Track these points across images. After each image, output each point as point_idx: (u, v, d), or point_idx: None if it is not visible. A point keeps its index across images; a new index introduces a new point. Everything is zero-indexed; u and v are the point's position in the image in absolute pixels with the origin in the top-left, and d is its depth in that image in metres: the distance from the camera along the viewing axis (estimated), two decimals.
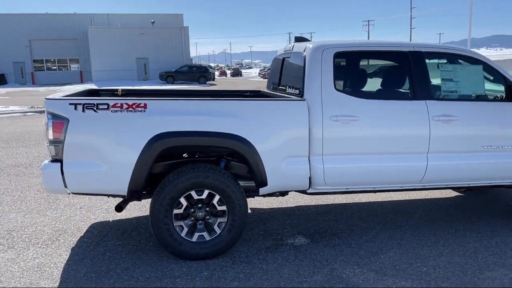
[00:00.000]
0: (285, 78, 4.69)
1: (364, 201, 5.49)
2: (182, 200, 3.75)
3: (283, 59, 4.87)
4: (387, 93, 4.23)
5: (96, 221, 4.82)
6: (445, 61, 4.34)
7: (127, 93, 5.19)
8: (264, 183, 3.87)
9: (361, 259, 3.85)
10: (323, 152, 3.93)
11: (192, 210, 3.80)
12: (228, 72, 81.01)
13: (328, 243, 4.21)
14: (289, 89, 4.44)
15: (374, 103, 4.03)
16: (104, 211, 5.15)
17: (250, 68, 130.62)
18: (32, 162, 7.77)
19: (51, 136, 3.54)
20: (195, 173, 3.70)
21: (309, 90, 3.94)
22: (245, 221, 3.91)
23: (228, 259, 3.86)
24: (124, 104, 3.60)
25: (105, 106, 3.59)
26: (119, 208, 3.85)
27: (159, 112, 3.64)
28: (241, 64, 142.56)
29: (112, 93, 5.13)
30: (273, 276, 3.56)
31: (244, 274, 3.60)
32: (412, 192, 5.67)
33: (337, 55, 4.02)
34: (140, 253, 4.00)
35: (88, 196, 5.62)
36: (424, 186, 4.28)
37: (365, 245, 4.16)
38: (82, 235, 4.44)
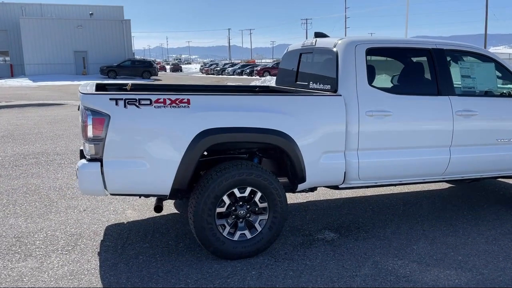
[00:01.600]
0: (307, 73, 4.68)
1: (369, 195, 5.63)
2: (225, 198, 3.64)
3: (300, 54, 4.86)
4: (414, 88, 4.36)
5: (109, 224, 4.55)
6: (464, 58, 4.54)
7: (135, 88, 4.94)
8: (304, 179, 3.86)
9: (397, 251, 3.95)
10: (358, 147, 3.98)
11: (233, 208, 3.70)
12: (168, 67, 79.48)
13: (357, 236, 4.28)
14: (315, 84, 4.44)
15: (404, 98, 4.14)
16: (112, 212, 4.88)
17: (190, 63, 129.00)
18: (3, 162, 7.18)
19: (90, 134, 3.29)
20: (239, 170, 3.60)
21: (344, 86, 3.97)
22: (286, 218, 3.88)
23: (268, 257, 3.81)
24: (167, 100, 3.43)
25: (148, 102, 3.39)
26: (159, 208, 3.66)
27: (203, 107, 3.51)
28: (180, 59, 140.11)
29: (120, 87, 4.85)
30: (323, 272, 3.56)
31: (292, 271, 3.57)
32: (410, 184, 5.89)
33: (369, 51, 4.08)
34: (175, 255, 3.84)
35: (87, 197, 5.32)
36: (444, 178, 4.47)
37: (393, 237, 4.27)
38: (102, 238, 4.18)
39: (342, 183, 4.08)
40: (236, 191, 3.66)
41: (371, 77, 4.07)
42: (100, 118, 3.29)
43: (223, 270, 3.57)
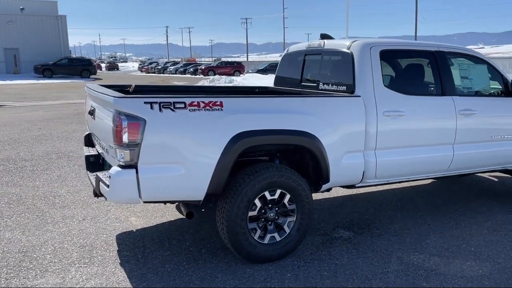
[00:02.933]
0: (315, 74, 4.73)
1: (363, 192, 5.79)
2: (257, 202, 3.61)
3: (305, 55, 4.90)
4: (423, 89, 4.54)
5: (117, 233, 4.34)
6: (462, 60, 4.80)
7: (137, 90, 4.74)
8: (328, 179, 3.91)
9: (414, 246, 4.11)
10: (376, 146, 4.09)
11: (263, 211, 3.68)
12: (103, 65, 76.47)
13: (371, 233, 4.40)
14: (326, 85, 4.50)
15: (415, 98, 4.31)
16: (115, 220, 4.65)
17: (126, 61, 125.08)
18: None
19: (126, 139, 3.12)
20: (271, 173, 3.58)
21: (361, 87, 4.06)
22: (312, 219, 3.90)
23: (296, 259, 3.82)
24: (201, 103, 3.33)
25: (182, 105, 3.28)
26: (191, 215, 3.54)
27: (236, 110, 3.45)
28: (115, 57, 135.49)
29: (122, 89, 4.63)
30: (355, 271, 3.62)
31: (326, 272, 3.60)
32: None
33: (382, 53, 4.20)
34: (202, 261, 3.75)
35: (79, 205, 5.04)
36: (446, 174, 4.71)
37: (404, 232, 4.43)
38: (117, 248, 3.98)
39: (360, 182, 4.17)
40: (266, 193, 3.63)
41: (385, 79, 4.19)
42: (135, 122, 3.13)
43: (257, 274, 3.54)
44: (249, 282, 3.41)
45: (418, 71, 4.59)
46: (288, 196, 3.72)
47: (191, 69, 48.60)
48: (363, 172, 4.10)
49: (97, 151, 4.21)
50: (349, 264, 3.74)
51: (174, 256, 3.84)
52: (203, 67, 46.37)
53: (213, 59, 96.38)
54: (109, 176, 3.22)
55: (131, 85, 4.69)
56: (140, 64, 72.14)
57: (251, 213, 3.60)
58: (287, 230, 3.77)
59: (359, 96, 4.02)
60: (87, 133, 4.67)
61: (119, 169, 3.18)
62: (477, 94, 4.82)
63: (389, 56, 4.32)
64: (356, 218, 4.83)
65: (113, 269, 3.58)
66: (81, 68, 37.66)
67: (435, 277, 3.52)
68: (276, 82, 5.46)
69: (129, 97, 3.25)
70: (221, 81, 27.95)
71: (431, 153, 4.41)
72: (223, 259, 3.78)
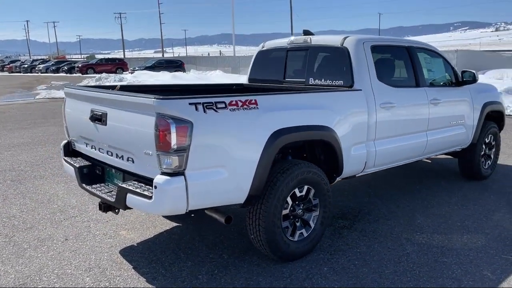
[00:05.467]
0: (303, 70, 4.77)
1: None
2: (288, 199, 3.57)
3: (287, 51, 4.93)
4: (404, 82, 4.87)
5: (118, 249, 3.93)
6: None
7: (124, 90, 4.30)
8: (341, 172, 4.02)
9: (411, 227, 4.43)
10: (375, 136, 4.31)
11: (292, 208, 3.65)
12: None
13: (367, 220, 4.62)
14: (318, 80, 4.58)
15: (401, 90, 4.63)
16: (103, 236, 4.20)
17: None
18: None
19: (174, 145, 2.85)
20: (301, 169, 3.57)
21: (359, 81, 4.23)
22: (332, 211, 3.97)
23: (321, 252, 3.86)
24: (238, 102, 3.18)
25: (223, 105, 3.10)
26: (230, 219, 3.35)
27: (270, 108, 3.36)
28: None
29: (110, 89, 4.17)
30: (381, 256, 3.79)
31: (357, 260, 3.71)
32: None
33: (373, 48, 4.42)
34: (232, 267, 3.59)
35: (47, 224, 4.47)
36: (420, 158, 5.15)
37: (393, 216, 4.73)
38: (131, 266, 3.61)
39: (361, 171, 4.36)
40: (296, 190, 3.61)
41: (378, 73, 4.42)
42: (183, 126, 2.87)
43: (296, 272, 3.51)
44: (295, 282, 3.37)
45: (400, 65, 4.93)
46: (312, 191, 3.74)
47: (65, 67, 44.92)
48: (365, 162, 4.29)
49: (93, 160, 3.76)
50: (370, 250, 3.90)
51: (199, 266, 3.62)
52: (80, 65, 43.14)
53: (85, 56, 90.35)
54: (155, 186, 2.90)
55: (117, 85, 4.24)
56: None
57: (284, 212, 3.55)
58: (312, 225, 3.80)
59: (361, 90, 4.18)
60: (65, 141, 4.12)
61: (167, 177, 2.89)
62: (439, 85, 5.34)
63: (377, 51, 4.55)
64: (343, 207, 5.02)
65: None
66: None
67: (450, 252, 3.86)
68: (251, 78, 5.39)
69: (173, 98, 2.96)
70: (110, 79, 26.33)
71: (413, 140, 4.79)
72: (252, 262, 3.67)
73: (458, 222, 4.56)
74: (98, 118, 3.43)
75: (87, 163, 3.83)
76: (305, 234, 3.75)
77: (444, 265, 3.63)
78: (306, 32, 4.81)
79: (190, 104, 2.95)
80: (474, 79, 5.39)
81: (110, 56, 60.41)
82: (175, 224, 4.50)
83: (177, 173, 2.92)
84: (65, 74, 42.56)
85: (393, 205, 5.08)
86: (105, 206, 3.55)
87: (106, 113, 3.34)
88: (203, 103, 3.00)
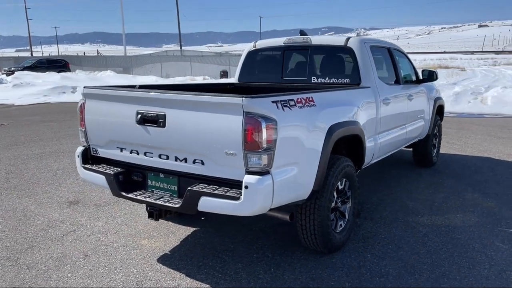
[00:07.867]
0: (304, 69, 4.92)
1: None
2: (334, 193, 3.71)
3: (284, 51, 5.04)
4: (390, 79, 5.27)
5: (152, 260, 3.69)
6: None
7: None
8: (362, 164, 4.28)
9: (409, 211, 4.86)
10: (380, 130, 4.66)
11: (335, 201, 3.80)
12: None
13: (367, 208, 4.94)
14: (321, 79, 4.78)
15: (392, 87, 5.03)
16: (125, 248, 3.90)
17: None
18: None
19: (264, 143, 2.81)
20: (343, 163, 3.74)
21: (366, 79, 4.54)
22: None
23: (354, 242, 4.05)
24: (302, 99, 3.25)
25: (293, 103, 3.14)
26: (293, 216, 3.36)
27: (324, 104, 3.47)
28: None
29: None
30: (405, 240, 4.12)
31: (390, 246, 3.98)
32: None
33: (371, 48, 4.76)
34: (287, 264, 3.63)
35: (50, 241, 4.06)
36: (398, 149, 5.65)
37: (385, 202, 5.14)
38: (183, 274, 3.43)
39: (368, 163, 4.67)
40: (339, 184, 3.77)
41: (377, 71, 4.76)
42: (271, 124, 2.85)
43: (347, 263, 3.66)
44: (352, 273, 3.50)
45: (388, 64, 5.33)
46: (348, 184, 3.93)
47: None
48: (373, 154, 4.61)
49: (128, 166, 3.49)
50: (391, 236, 4.22)
51: (250, 266, 3.58)
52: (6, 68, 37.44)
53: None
54: (245, 186, 2.83)
55: (136, 85, 3.94)
56: None
57: (332, 205, 3.69)
58: (347, 216, 3.98)
59: (369, 87, 4.49)
60: (82, 148, 3.73)
61: (258, 176, 2.84)
62: (409, 82, 5.89)
63: (373, 51, 4.90)
64: None
65: None
66: None
67: (457, 230, 4.34)
68: (242, 78, 5.38)
69: (257, 97, 2.89)
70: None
71: (399, 132, 5.25)
72: (299, 257, 3.74)
73: (444, 204, 5.12)
74: (152, 120, 3.19)
75: (119, 169, 3.53)
76: (343, 225, 3.93)
77: (462, 241, 4.09)
78: (303, 33, 4.97)
79: (272, 102, 2.94)
80: (432, 77, 6.06)
81: None
82: (191, 229, 4.34)
83: (265, 172, 2.88)
84: None
85: (379, 193, 5.49)
86: (157, 213, 3.32)
87: (165, 115, 3.13)
88: (281, 101, 3.01)
